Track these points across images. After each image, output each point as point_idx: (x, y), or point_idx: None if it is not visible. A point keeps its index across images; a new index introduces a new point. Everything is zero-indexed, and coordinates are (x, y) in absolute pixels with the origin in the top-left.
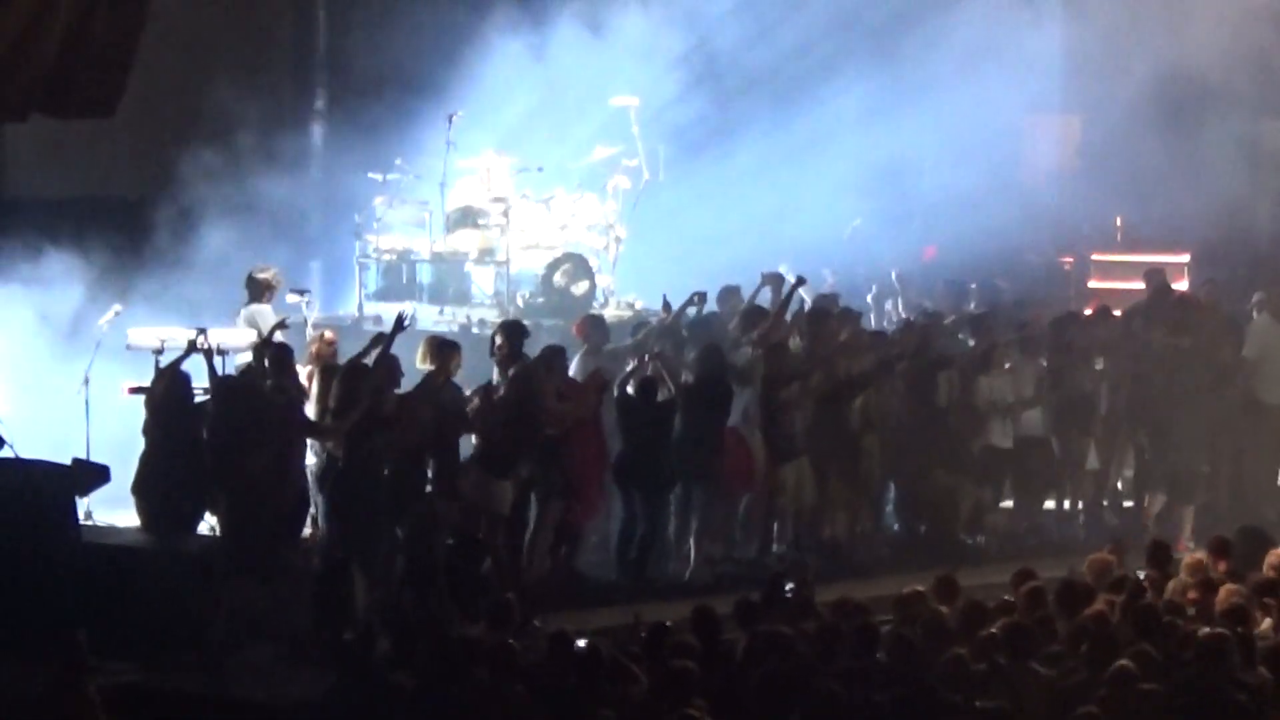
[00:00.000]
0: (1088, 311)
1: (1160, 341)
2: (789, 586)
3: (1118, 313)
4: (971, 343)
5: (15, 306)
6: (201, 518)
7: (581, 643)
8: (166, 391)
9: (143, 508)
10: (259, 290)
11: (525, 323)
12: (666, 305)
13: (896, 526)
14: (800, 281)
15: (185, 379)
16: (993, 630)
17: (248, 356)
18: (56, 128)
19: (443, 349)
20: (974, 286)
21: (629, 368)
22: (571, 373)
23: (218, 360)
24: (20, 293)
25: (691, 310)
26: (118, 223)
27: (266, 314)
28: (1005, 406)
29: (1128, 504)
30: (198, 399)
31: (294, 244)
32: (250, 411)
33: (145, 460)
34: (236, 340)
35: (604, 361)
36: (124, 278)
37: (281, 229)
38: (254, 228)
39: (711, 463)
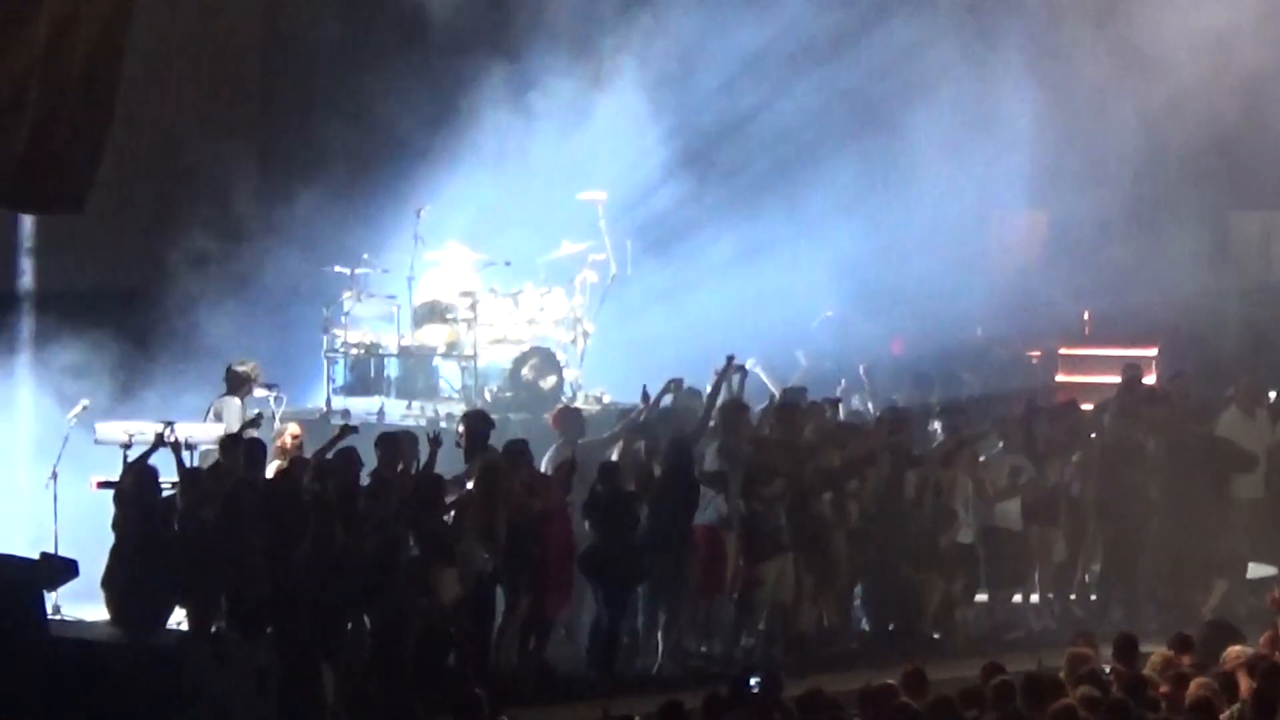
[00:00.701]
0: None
1: (1127, 435)
2: (755, 681)
3: (1087, 406)
4: (942, 434)
5: None
6: (171, 612)
7: None
8: (135, 485)
9: (112, 602)
10: (238, 383)
11: (492, 416)
12: (645, 396)
13: (864, 620)
14: (733, 367)
15: (153, 473)
16: None
17: (214, 450)
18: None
19: (381, 443)
20: (935, 380)
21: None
22: (544, 465)
23: (185, 454)
24: None
25: (668, 398)
26: (93, 315)
27: (235, 406)
28: (974, 503)
29: (1093, 597)
30: (166, 493)
31: (264, 338)
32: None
33: (115, 554)
34: (203, 434)
35: (580, 454)
36: (95, 372)
37: (251, 322)
38: (225, 321)
39: (678, 559)
